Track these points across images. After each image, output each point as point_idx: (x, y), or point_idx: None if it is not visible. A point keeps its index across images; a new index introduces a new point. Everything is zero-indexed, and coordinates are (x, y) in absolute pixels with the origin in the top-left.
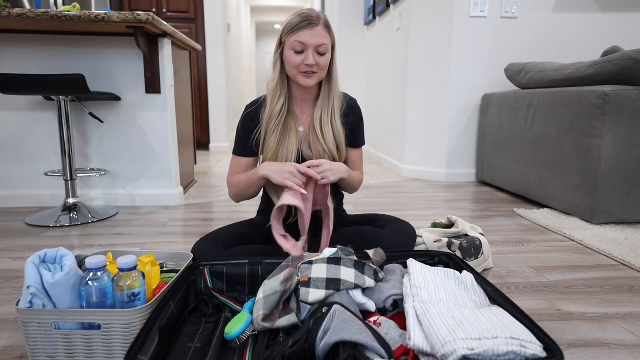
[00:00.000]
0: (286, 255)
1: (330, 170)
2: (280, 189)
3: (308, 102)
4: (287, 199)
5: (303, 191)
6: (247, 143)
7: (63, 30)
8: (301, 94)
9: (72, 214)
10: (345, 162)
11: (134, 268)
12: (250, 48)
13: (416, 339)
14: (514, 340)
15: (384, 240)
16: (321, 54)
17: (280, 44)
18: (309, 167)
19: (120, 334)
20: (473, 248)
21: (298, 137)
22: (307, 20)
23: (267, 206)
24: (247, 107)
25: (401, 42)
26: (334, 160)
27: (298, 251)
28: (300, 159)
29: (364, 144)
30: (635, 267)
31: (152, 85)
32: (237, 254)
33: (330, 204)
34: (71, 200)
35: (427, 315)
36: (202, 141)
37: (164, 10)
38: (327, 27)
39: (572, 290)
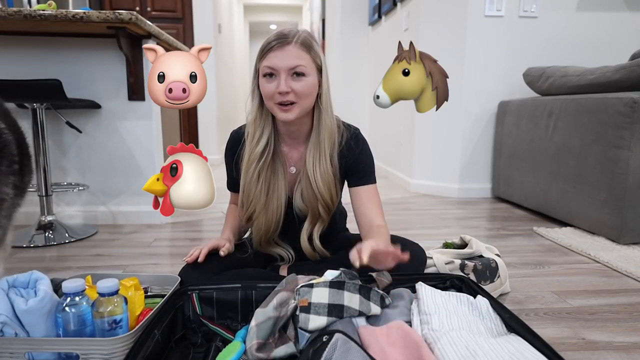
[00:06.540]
0: (282, 278)
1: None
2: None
3: (298, 140)
4: None
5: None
6: (235, 180)
7: (37, 31)
8: (287, 131)
9: (47, 233)
10: (353, 206)
11: (116, 292)
12: (244, 50)
13: None
14: None
15: None
16: (297, 77)
17: (256, 71)
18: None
19: None
20: (488, 270)
21: (287, 180)
22: (277, 40)
23: None
24: (232, 136)
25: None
26: (328, 208)
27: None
28: (293, 208)
29: (372, 182)
30: None
31: (136, 91)
32: (229, 278)
33: None
34: (46, 218)
35: (437, 344)
36: None
37: (149, 9)
38: (306, 45)
39: (597, 317)
